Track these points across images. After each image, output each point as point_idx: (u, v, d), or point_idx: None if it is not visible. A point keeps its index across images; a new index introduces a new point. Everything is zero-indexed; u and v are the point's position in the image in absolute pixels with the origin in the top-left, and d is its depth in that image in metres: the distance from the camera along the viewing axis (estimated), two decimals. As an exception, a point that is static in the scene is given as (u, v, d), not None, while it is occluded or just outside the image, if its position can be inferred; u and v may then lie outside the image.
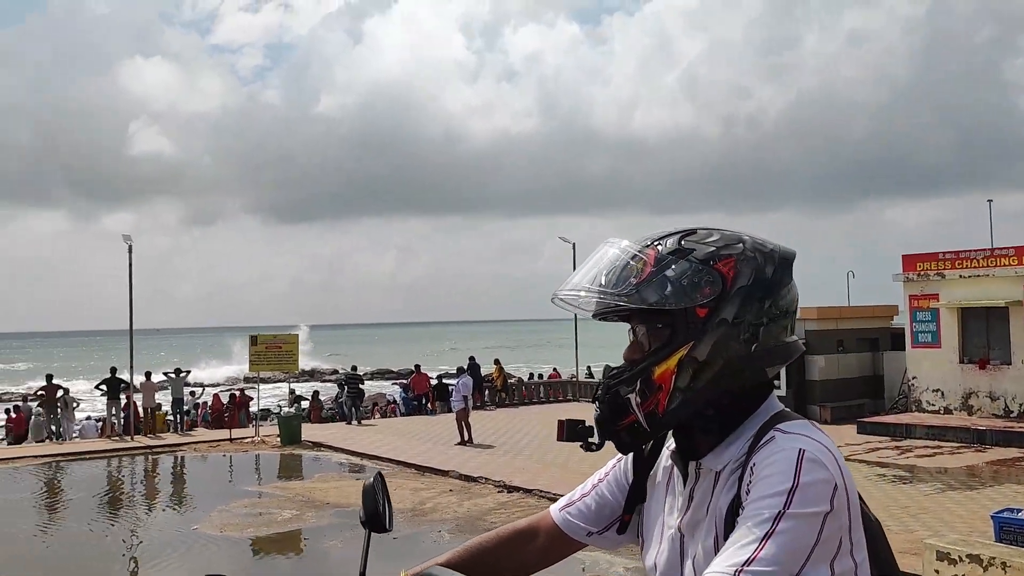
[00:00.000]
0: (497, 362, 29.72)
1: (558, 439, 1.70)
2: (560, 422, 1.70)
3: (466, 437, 19.50)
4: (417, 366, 30.29)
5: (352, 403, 25.58)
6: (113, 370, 23.97)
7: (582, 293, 1.57)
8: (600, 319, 1.66)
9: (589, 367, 34.36)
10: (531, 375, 36.83)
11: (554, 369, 37.49)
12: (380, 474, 1.84)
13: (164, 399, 26.67)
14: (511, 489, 14.53)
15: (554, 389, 31.11)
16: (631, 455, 1.70)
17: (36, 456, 20.37)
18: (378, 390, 43.01)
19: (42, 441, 24.09)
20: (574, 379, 31.86)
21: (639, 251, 1.55)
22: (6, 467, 18.98)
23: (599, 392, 1.59)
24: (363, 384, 27.48)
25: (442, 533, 11.86)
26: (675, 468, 1.63)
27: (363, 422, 25.23)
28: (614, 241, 1.60)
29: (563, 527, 1.81)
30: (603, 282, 1.54)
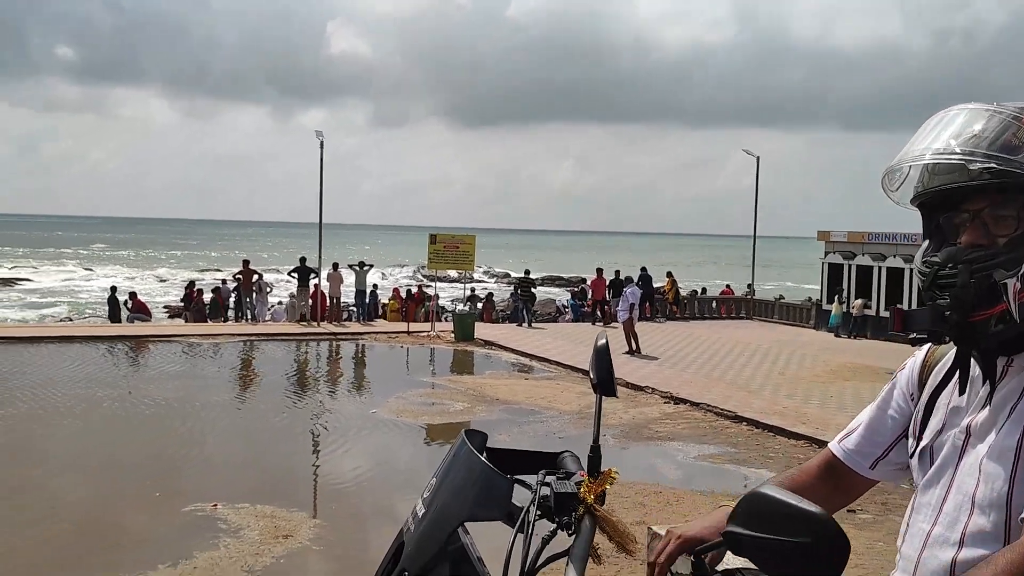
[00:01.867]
0: (670, 275, 29.40)
1: (895, 330, 1.57)
2: (897, 310, 1.58)
3: (633, 347, 19.51)
4: (599, 270, 29.09)
5: (524, 305, 26.05)
6: (303, 259, 25.32)
7: (956, 155, 1.39)
8: (919, 203, 1.50)
9: (750, 285, 33.10)
10: (703, 290, 36.25)
11: (727, 286, 36.69)
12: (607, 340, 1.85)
13: (347, 291, 28.02)
14: (677, 400, 14.51)
15: (726, 305, 30.54)
16: (924, 364, 1.61)
17: (232, 334, 21.97)
18: (548, 296, 43.57)
19: (239, 321, 25.94)
20: (748, 296, 31.13)
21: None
22: (206, 342, 20.60)
23: (947, 277, 1.40)
24: (535, 288, 27.88)
25: (607, 437, 12.02)
26: (973, 365, 1.49)
27: (534, 325, 25.69)
28: (967, 106, 1.44)
29: (844, 460, 1.72)
30: (967, 149, 1.37)
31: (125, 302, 27.68)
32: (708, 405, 13.98)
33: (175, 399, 14.05)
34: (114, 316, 27.41)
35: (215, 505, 8.58)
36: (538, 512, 1.55)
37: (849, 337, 24.10)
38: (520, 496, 1.63)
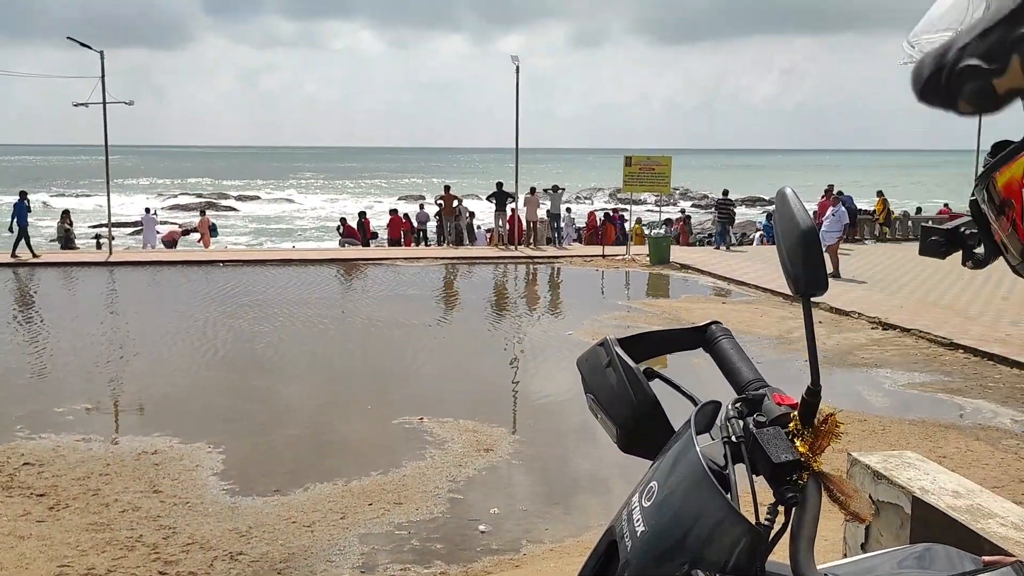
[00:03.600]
0: (880, 194, 27.78)
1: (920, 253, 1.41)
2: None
3: (830, 270, 18.73)
4: (828, 189, 26.96)
5: (722, 228, 25.45)
6: (499, 184, 25.78)
7: None
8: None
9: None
10: (917, 210, 34.03)
11: (945, 204, 34.24)
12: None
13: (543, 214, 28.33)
14: (886, 326, 13.83)
15: (944, 226, 28.57)
16: None
17: (435, 257, 22.83)
18: (747, 218, 42.30)
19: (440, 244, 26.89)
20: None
21: None
22: (411, 266, 21.52)
23: None
24: (735, 209, 27.11)
25: (806, 362, 11.66)
26: None
27: (732, 248, 25.08)
28: None
29: None
30: None
31: (338, 228, 29.31)
32: (920, 331, 13.25)
33: (383, 319, 14.84)
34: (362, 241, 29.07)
35: (421, 419, 9.06)
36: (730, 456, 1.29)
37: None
38: (658, 388, 1.49)
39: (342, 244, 28.22)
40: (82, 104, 24.13)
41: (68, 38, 23.49)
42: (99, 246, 28.47)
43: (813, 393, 1.29)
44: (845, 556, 3.55)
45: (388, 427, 8.92)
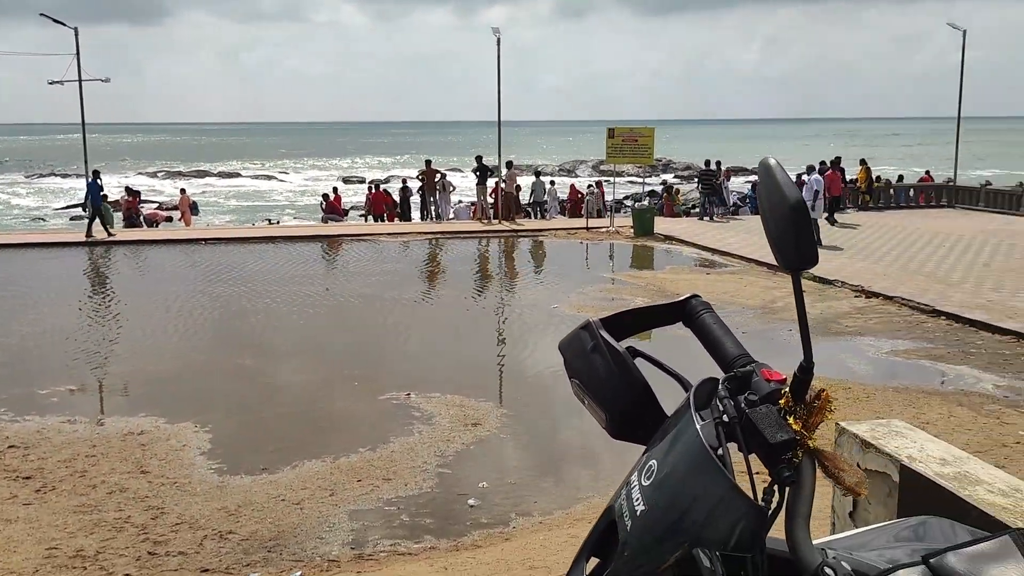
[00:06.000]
0: (863, 162, 27.80)
1: None
2: None
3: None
4: (835, 160, 24.88)
5: (705, 199, 25.45)
6: (478, 158, 25.66)
7: None
8: None
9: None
10: (899, 177, 34.11)
11: (927, 172, 34.33)
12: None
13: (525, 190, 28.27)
14: (869, 294, 13.91)
15: (925, 193, 28.67)
16: None
17: (419, 232, 22.75)
18: (733, 189, 42.26)
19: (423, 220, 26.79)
20: (950, 183, 29.08)
21: None
22: (394, 241, 21.44)
23: None
24: (718, 180, 27.09)
25: (792, 332, 11.72)
26: None
27: (716, 218, 25.11)
28: None
29: None
30: None
31: (320, 204, 29.15)
32: (903, 299, 13.33)
33: (367, 295, 14.80)
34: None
35: (408, 394, 9.06)
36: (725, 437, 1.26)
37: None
38: (645, 370, 1.45)
39: (324, 220, 28.08)
40: (57, 82, 23.81)
41: (41, 14, 23.15)
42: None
43: (806, 370, 1.26)
44: (833, 525, 3.57)
45: (375, 403, 8.91)
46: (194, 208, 28.97)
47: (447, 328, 12.98)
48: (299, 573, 5.41)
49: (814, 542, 1.25)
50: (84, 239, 21.37)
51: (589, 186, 30.20)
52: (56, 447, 7.64)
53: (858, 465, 3.20)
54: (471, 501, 6.53)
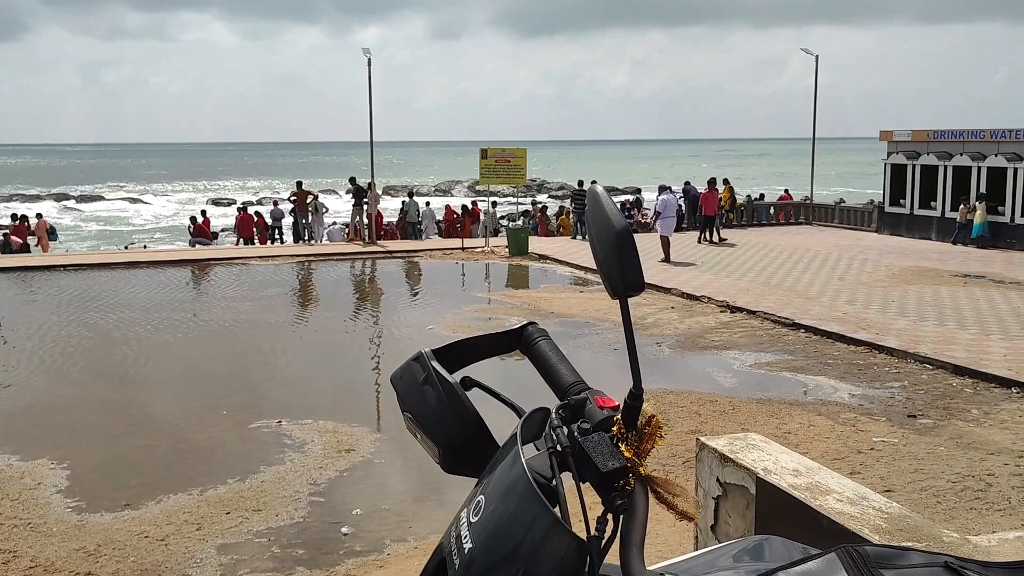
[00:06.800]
0: (726, 181, 28.86)
1: None
2: None
3: (661, 257, 19.67)
4: (711, 181, 24.75)
5: (578, 219, 25.91)
6: (352, 179, 25.42)
7: None
8: None
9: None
10: (760, 196, 35.59)
11: (785, 190, 35.95)
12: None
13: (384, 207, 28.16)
14: (734, 309, 14.42)
15: (784, 211, 30.00)
16: None
17: (290, 255, 22.31)
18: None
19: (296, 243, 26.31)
20: (807, 201, 30.52)
21: None
22: (265, 264, 20.96)
23: None
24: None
25: (662, 347, 12.04)
26: None
27: (587, 237, 25.58)
28: None
29: None
30: None
31: (188, 227, 28.23)
32: (765, 313, 13.88)
33: (236, 320, 14.39)
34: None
35: (279, 421, 8.85)
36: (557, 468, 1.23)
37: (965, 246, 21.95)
38: (484, 404, 1.43)
39: (192, 244, 27.21)
40: None
41: None
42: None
43: (635, 396, 1.24)
44: (696, 537, 3.67)
45: (245, 432, 8.66)
46: (52, 233, 27.61)
47: (321, 352, 12.76)
48: (163, 614, 5.19)
49: (658, 566, 1.27)
50: None
51: (495, 203, 30.27)
52: None
53: (718, 480, 3.30)
54: (344, 529, 6.41)
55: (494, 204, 30.05)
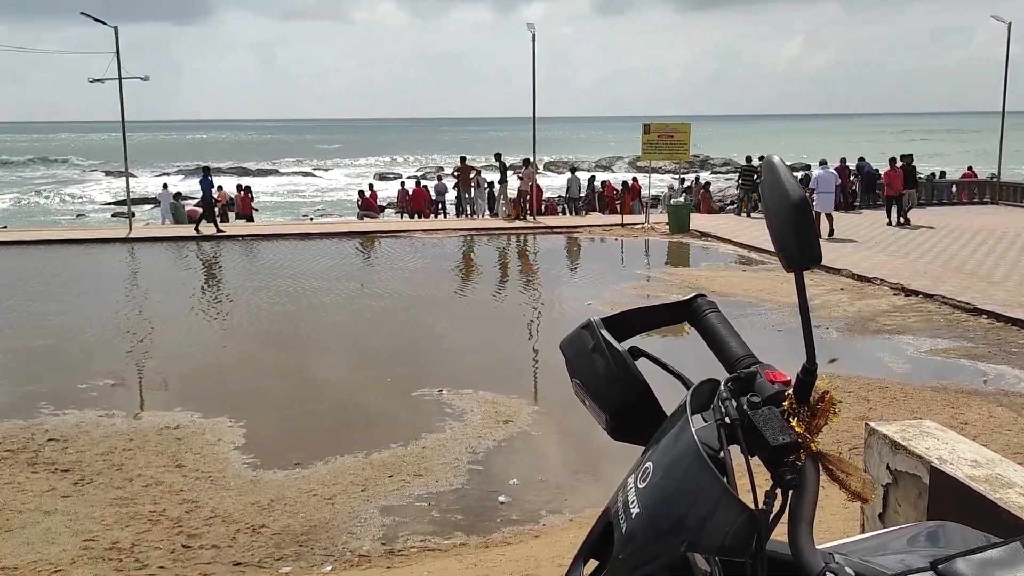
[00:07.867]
0: (903, 158, 27.39)
1: None
2: None
3: (826, 235, 19.05)
4: (892, 160, 23.51)
5: (745, 195, 25.22)
6: (497, 155, 25.69)
7: None
8: None
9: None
10: (942, 173, 33.56)
11: (969, 168, 33.73)
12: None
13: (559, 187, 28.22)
14: (908, 292, 13.70)
15: (967, 190, 28.18)
16: None
17: (453, 229, 22.79)
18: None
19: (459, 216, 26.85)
20: (994, 179, 28.56)
21: None
22: (429, 238, 21.51)
23: None
24: (759, 176, 26.89)
25: (830, 331, 11.59)
26: None
27: (753, 215, 24.89)
28: None
29: None
30: None
31: (356, 200, 29.31)
32: (943, 297, 13.12)
33: (401, 292, 14.86)
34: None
35: (440, 390, 9.09)
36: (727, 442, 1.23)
37: None
38: (650, 374, 1.42)
39: (360, 217, 28.23)
40: (98, 80, 24.15)
41: (82, 13, 23.49)
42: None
43: (808, 371, 1.23)
44: (863, 525, 3.53)
45: (408, 400, 8.95)
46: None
47: (481, 324, 13.00)
48: (330, 568, 5.45)
49: (827, 545, 1.23)
50: (193, 233, 22.16)
51: (682, 179, 30.01)
52: (94, 440, 7.77)
53: (888, 467, 3.15)
54: (501, 498, 6.53)
55: (682, 181, 29.75)
